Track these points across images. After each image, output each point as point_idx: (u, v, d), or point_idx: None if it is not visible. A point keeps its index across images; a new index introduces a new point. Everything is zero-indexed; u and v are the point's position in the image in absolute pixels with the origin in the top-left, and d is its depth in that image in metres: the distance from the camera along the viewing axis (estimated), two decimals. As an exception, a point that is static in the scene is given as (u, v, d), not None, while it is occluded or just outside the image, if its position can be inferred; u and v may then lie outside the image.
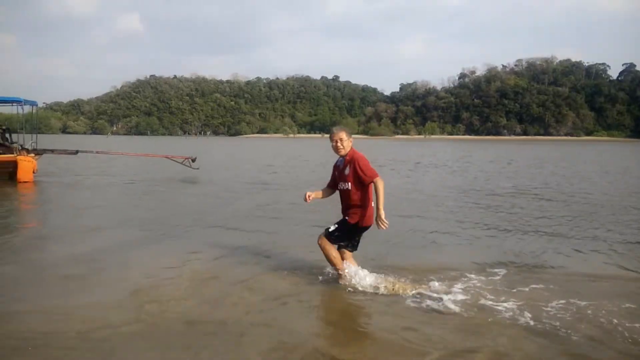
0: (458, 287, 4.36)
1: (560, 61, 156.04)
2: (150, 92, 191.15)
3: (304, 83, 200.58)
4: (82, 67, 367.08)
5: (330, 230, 4.33)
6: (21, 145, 14.08)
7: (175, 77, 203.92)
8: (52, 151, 15.46)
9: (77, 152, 15.69)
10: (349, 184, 4.25)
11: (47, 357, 3.07)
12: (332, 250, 4.36)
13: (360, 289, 4.30)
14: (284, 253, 5.58)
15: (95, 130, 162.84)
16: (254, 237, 6.62)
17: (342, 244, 4.43)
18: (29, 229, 7.61)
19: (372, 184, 4.16)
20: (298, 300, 4.15)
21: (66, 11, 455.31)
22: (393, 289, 4.31)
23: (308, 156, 31.76)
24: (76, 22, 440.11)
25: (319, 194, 4.52)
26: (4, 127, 14.63)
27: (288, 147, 51.58)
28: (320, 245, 4.37)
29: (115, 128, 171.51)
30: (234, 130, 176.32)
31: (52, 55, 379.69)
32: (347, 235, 4.35)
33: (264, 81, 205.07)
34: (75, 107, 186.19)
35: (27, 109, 15.19)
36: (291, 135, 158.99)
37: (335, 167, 4.51)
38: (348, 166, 4.26)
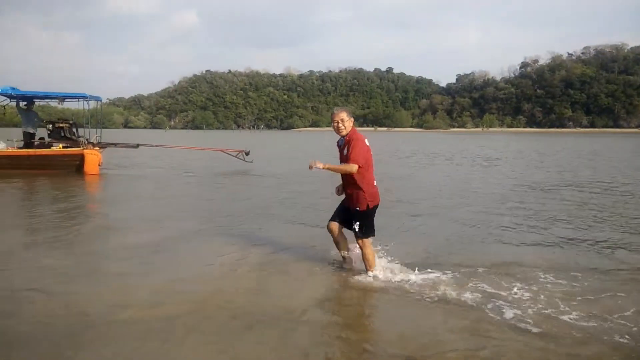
0: (520, 290, 4.10)
1: (631, 48, 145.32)
2: (205, 87, 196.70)
3: (356, 75, 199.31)
4: (143, 63, 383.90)
5: (357, 229, 4.35)
6: (87, 139, 14.82)
7: (229, 71, 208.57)
8: (115, 145, 16.20)
9: (137, 145, 16.33)
10: None
11: (99, 343, 3.14)
12: (371, 249, 4.45)
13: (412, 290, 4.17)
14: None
15: (154, 125, 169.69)
16: (310, 229, 6.58)
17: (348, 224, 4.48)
18: (94, 219, 7.97)
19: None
20: (350, 298, 4.06)
21: (128, 10, 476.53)
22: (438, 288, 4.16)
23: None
24: (138, 20, 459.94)
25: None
26: (71, 122, 15.44)
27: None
28: (361, 246, 4.43)
29: (172, 122, 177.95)
30: (286, 123, 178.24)
31: (115, 53, 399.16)
32: (370, 221, 4.38)
33: (317, 74, 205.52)
34: (136, 103, 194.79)
35: (92, 104, 15.95)
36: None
37: (338, 146, 4.50)
38: (347, 146, 4.27)
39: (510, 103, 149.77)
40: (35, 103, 15.49)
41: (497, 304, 3.83)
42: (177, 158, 20.75)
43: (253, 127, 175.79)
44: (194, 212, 8.13)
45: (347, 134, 4.30)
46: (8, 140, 14.31)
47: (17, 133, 14.57)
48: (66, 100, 15.66)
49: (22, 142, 14.27)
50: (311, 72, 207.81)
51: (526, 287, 4.19)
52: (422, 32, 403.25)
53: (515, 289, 4.13)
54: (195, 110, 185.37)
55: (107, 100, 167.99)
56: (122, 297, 4.00)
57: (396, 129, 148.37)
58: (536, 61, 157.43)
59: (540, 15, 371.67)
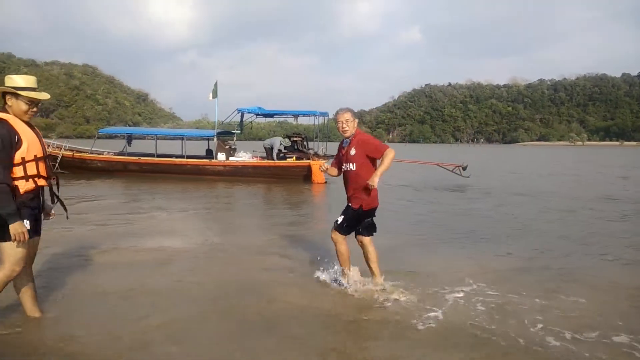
0: None
1: None
2: (424, 101, 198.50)
3: (598, 82, 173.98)
4: (367, 80, 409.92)
5: (339, 222, 4.24)
6: (314, 151, 16.26)
7: (449, 84, 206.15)
8: (338, 157, 17.37)
9: (357, 158, 17.17)
10: (354, 165, 4.18)
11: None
12: (342, 246, 4.28)
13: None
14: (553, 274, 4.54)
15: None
16: (531, 253, 5.69)
17: (358, 231, 4.28)
18: (319, 224, 8.58)
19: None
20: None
21: (357, 32, 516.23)
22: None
23: (604, 167, 27.02)
24: (364, 40, 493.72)
25: (334, 170, 4.54)
26: (302, 136, 17.20)
27: (578, 157, 45.23)
28: (332, 239, 4.31)
29: (390, 136, 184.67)
30: (509, 137, 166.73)
31: (343, 71, 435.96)
32: (355, 221, 4.24)
33: (548, 83, 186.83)
34: (358, 117, 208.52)
35: (320, 119, 17.47)
36: (579, 143, 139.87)
37: (340, 147, 4.42)
38: (354, 147, 4.19)
39: None
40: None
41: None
42: (393, 171, 21.11)
43: (472, 140, 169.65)
44: (407, 225, 8.02)
45: (353, 135, 4.26)
46: (253, 151, 16.72)
47: (261, 145, 16.90)
48: (299, 116, 17.50)
49: (265, 154, 16.51)
50: (541, 80, 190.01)
51: None
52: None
53: None
54: (413, 124, 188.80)
55: (334, 116, 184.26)
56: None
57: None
58: None
59: None
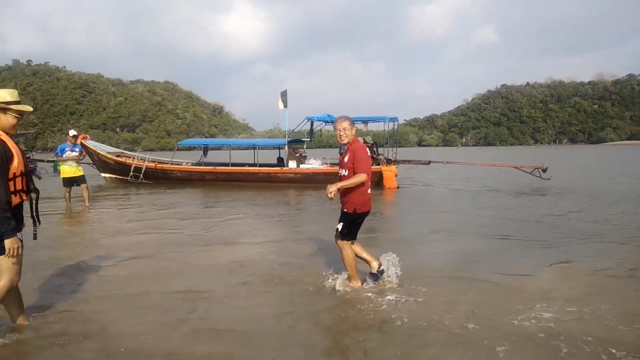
0: None
1: None
2: (500, 102, 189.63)
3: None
4: (437, 84, 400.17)
5: (339, 229, 4.42)
6: (385, 157, 16.09)
7: (527, 84, 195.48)
8: (409, 162, 17.11)
9: (429, 162, 16.78)
10: (346, 171, 4.36)
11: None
12: (347, 250, 4.44)
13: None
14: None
15: (446, 142, 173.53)
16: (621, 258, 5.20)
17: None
18: (391, 232, 8.45)
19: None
20: None
21: (427, 35, 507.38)
22: None
23: None
24: (433, 44, 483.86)
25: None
26: (372, 142, 17.09)
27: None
28: (338, 245, 4.48)
29: (464, 139, 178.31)
30: (596, 137, 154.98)
31: (413, 76, 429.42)
32: (354, 225, 4.44)
33: (639, 78, 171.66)
34: (429, 122, 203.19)
35: (390, 125, 17.27)
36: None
37: (340, 154, 4.60)
38: (348, 154, 4.36)
39: None
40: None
41: None
42: (467, 175, 20.41)
43: (554, 142, 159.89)
44: (480, 229, 7.73)
45: (349, 142, 4.39)
46: (323, 158, 16.86)
47: (330, 152, 17.01)
48: (369, 122, 17.42)
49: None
50: (630, 76, 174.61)
51: None
52: None
53: None
54: (488, 126, 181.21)
55: (404, 121, 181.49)
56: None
57: None
58: None
59: None
